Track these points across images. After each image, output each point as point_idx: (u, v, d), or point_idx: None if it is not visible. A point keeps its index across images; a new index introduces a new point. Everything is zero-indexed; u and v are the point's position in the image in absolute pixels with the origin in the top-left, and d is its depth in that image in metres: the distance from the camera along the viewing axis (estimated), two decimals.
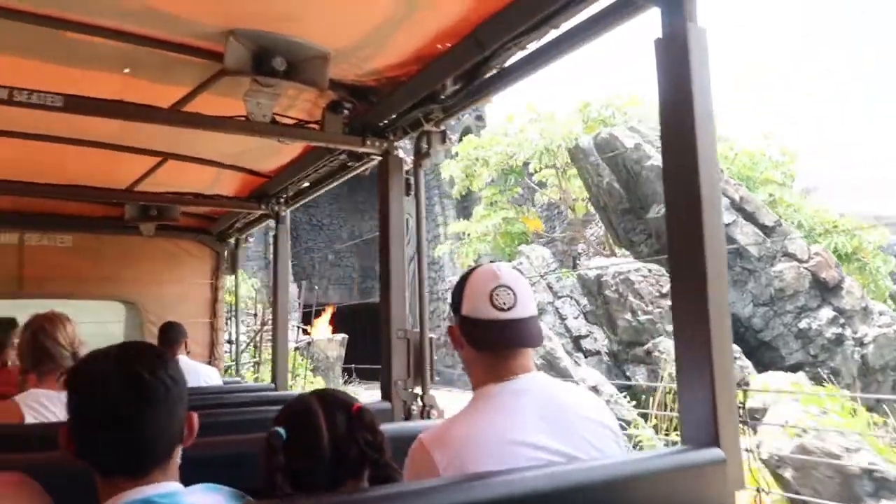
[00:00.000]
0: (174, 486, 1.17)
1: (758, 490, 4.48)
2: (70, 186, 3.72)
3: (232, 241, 4.92)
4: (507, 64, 2.36)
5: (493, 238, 15.82)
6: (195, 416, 1.22)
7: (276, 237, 4.11)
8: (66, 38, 2.30)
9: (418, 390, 2.64)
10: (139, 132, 3.23)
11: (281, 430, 1.25)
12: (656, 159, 14.28)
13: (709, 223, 1.48)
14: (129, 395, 1.13)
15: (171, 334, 3.91)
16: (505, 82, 2.42)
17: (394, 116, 2.79)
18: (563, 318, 13.05)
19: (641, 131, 14.93)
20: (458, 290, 1.49)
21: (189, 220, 4.78)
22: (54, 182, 3.70)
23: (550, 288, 13.63)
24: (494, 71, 2.39)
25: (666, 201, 1.58)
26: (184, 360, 3.80)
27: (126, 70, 2.58)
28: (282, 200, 4.02)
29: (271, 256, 4.46)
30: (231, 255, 4.96)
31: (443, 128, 2.75)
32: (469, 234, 15.94)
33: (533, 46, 2.22)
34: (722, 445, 1.46)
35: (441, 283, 19.70)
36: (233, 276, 4.97)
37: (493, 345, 1.43)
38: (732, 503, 1.48)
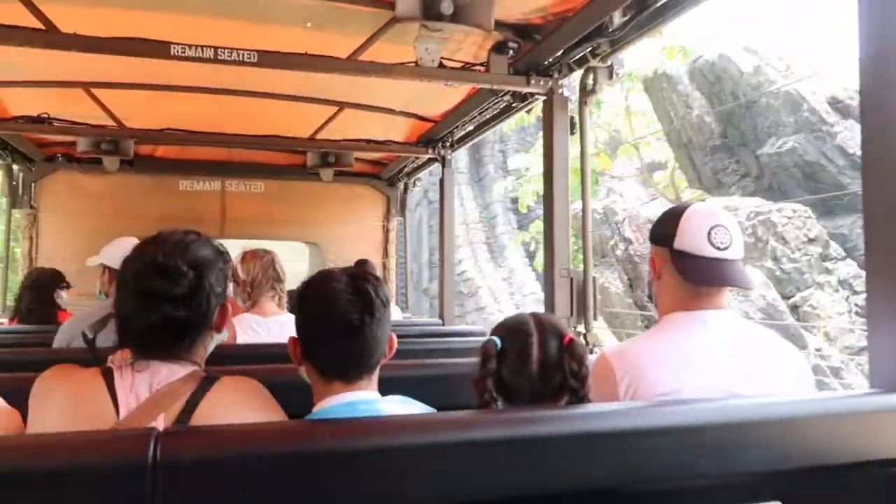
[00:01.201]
0: (374, 394, 1.36)
1: None
2: (262, 137, 4.11)
3: (401, 184, 5.18)
4: None
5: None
6: (394, 337, 1.39)
7: (442, 180, 4.27)
8: None
9: (581, 328, 2.68)
10: (319, 84, 3.48)
11: (497, 339, 1.36)
12: (780, 84, 12.64)
13: None
14: (358, 309, 1.30)
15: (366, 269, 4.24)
16: (676, 11, 2.31)
17: (559, 54, 2.76)
18: None
19: (759, 52, 13.14)
20: (670, 223, 1.56)
21: (362, 165, 5.09)
22: (249, 133, 4.11)
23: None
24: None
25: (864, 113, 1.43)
26: None
27: (308, 24, 2.78)
28: (447, 144, 4.16)
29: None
30: (400, 199, 5.23)
31: (610, 62, 2.68)
32: (529, 170, 14.21)
33: None
34: None
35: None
36: (402, 218, 5.25)
37: (705, 279, 1.50)
38: None
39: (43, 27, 2.42)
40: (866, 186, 1.43)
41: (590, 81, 2.72)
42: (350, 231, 5.21)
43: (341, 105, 3.84)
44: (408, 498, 1.09)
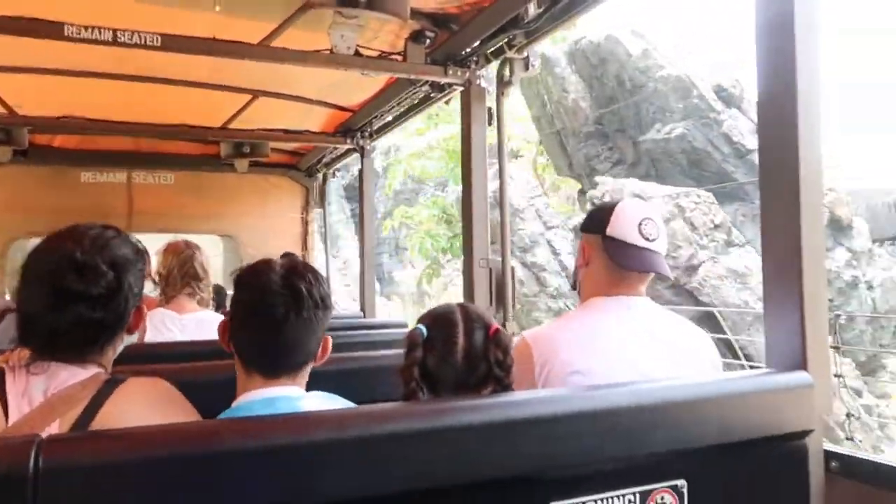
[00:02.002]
0: (297, 391, 1.32)
1: (847, 416, 4.34)
2: (171, 126, 3.93)
3: (320, 175, 5.08)
4: None
5: (440, 156, 14.50)
6: (330, 339, 1.36)
7: (361, 170, 4.21)
8: None
9: (500, 318, 2.70)
10: (231, 71, 3.35)
11: (422, 328, 1.34)
12: (670, 69, 12.93)
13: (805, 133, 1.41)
14: (286, 304, 1.26)
15: None
16: (588, 4, 2.35)
17: (476, 44, 2.76)
18: (556, 253, 12.27)
19: (647, 37, 13.44)
20: (603, 214, 1.66)
21: (279, 156, 4.96)
22: (157, 122, 3.92)
23: (539, 216, 12.83)
24: None
25: (760, 111, 1.51)
26: None
27: (217, 8, 2.66)
28: (366, 134, 4.10)
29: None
30: (319, 190, 5.12)
31: (525, 54, 2.70)
32: (399, 150, 14.96)
33: None
34: (809, 370, 1.44)
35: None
36: (321, 210, 5.15)
37: (635, 265, 1.59)
38: (820, 428, 1.47)
39: None
40: (763, 177, 1.50)
41: (506, 72, 2.73)
42: (268, 223, 5.07)
43: (255, 93, 3.72)
44: (324, 494, 1.06)
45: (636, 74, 13.11)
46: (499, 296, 2.64)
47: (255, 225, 5.01)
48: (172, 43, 2.42)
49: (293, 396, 1.32)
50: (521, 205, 12.54)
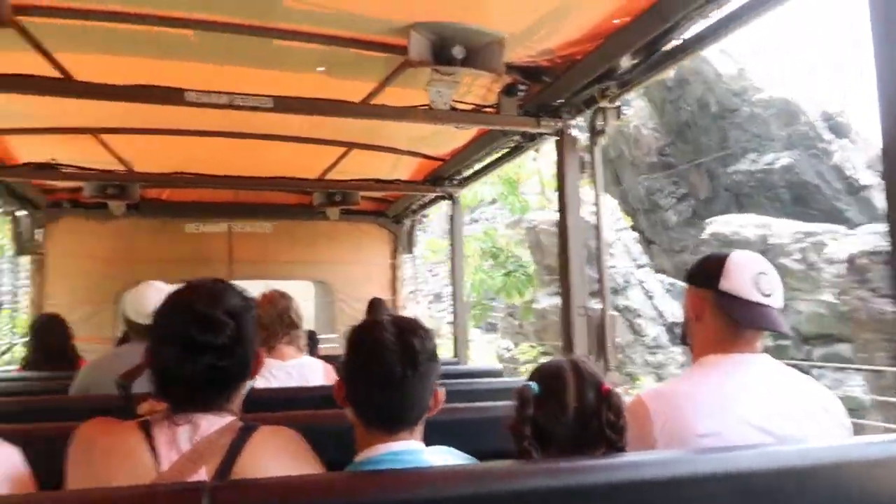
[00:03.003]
0: (419, 445, 1.34)
1: None
2: (270, 178, 4.13)
3: (408, 222, 5.20)
4: (688, 35, 2.30)
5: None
6: (441, 391, 1.38)
7: (452, 217, 4.28)
8: (273, 45, 2.57)
9: (600, 368, 2.66)
10: (329, 125, 3.51)
11: (533, 385, 1.34)
12: (772, 91, 10.85)
13: None
14: (402, 362, 1.29)
15: (380, 308, 4.24)
16: (685, 53, 2.35)
17: (568, 95, 2.80)
18: (649, 296, 10.73)
19: (736, 56, 11.30)
20: (713, 266, 1.59)
21: (368, 203, 5.11)
22: (257, 175, 4.13)
23: (628, 251, 11.40)
24: (675, 43, 2.32)
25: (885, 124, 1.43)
26: None
27: (320, 69, 2.81)
28: (455, 182, 4.18)
29: None
30: (407, 236, 5.24)
31: (618, 104, 2.72)
32: None
33: (716, 15, 2.14)
34: None
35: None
36: (409, 255, 5.26)
37: (753, 323, 1.52)
38: None
39: (59, 76, 2.45)
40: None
41: (599, 121, 2.75)
42: (358, 269, 5.21)
43: (350, 146, 3.87)
44: None
45: (727, 97, 11.75)
46: (599, 345, 2.60)
47: (346, 270, 5.16)
48: (283, 104, 2.57)
49: (417, 450, 1.34)
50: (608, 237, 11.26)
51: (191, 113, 3.13)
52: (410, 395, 1.33)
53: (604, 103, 2.70)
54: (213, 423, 1.27)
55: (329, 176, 4.23)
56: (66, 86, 2.42)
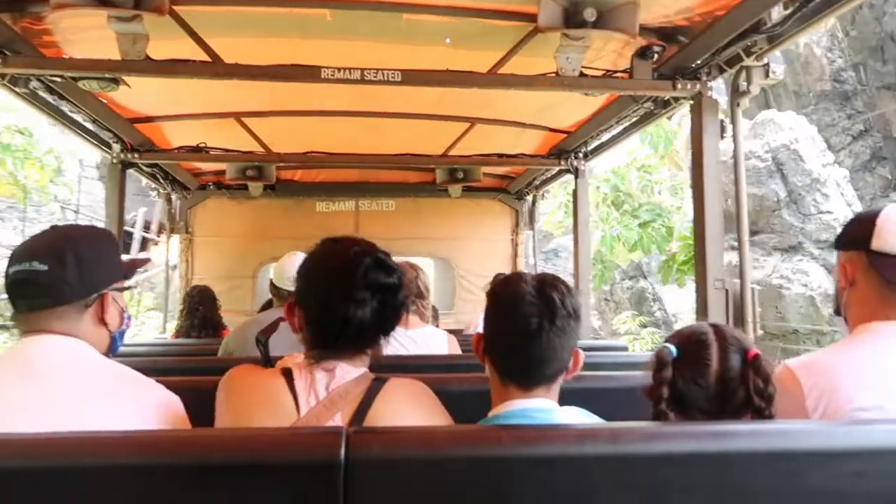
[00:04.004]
0: (552, 404, 1.32)
1: None
2: (396, 156, 4.23)
3: (529, 197, 5.16)
4: None
5: None
6: (581, 352, 1.36)
7: (575, 191, 4.20)
8: (402, 19, 2.61)
9: None
10: (453, 101, 3.54)
11: (672, 347, 1.30)
12: None
13: None
14: (539, 313, 1.29)
15: None
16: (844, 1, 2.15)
17: (708, 55, 2.64)
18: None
19: None
20: (864, 225, 1.46)
21: (490, 180, 5.12)
22: (383, 153, 4.24)
23: (842, 193, 9.39)
24: None
25: None
26: None
27: (447, 41, 2.83)
28: (580, 155, 4.09)
29: None
30: (529, 211, 5.21)
31: (766, 60, 2.53)
32: None
33: None
34: None
35: None
36: (531, 231, 5.22)
37: None
38: None
39: (209, 59, 2.62)
40: None
41: (743, 81, 2.58)
42: (479, 245, 5.25)
43: (473, 121, 3.88)
44: None
45: None
46: (736, 321, 2.46)
47: (467, 247, 5.21)
48: (411, 77, 2.61)
49: (550, 409, 1.33)
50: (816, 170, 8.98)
51: (324, 94, 3.27)
52: (548, 349, 1.31)
53: (749, 61, 2.52)
54: (348, 373, 1.33)
55: (452, 152, 4.27)
56: (215, 68, 2.58)
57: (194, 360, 2.64)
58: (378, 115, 3.63)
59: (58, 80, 2.86)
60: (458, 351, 2.73)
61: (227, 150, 4.15)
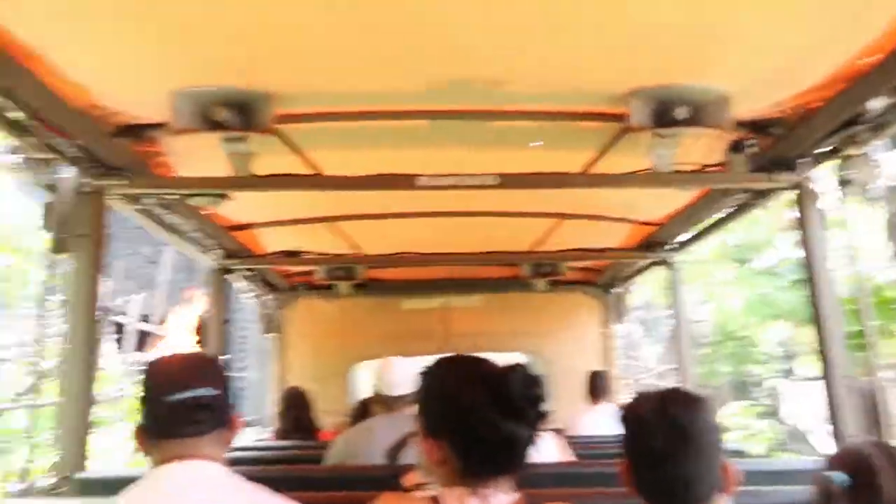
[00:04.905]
0: None
1: None
2: (483, 253, 4.27)
3: (618, 290, 5.06)
4: None
5: None
6: (730, 464, 1.28)
7: (670, 283, 4.09)
8: (494, 126, 2.69)
9: None
10: (540, 198, 3.57)
11: (843, 476, 1.21)
12: None
13: None
14: (666, 437, 1.22)
15: (600, 382, 4.14)
16: None
17: (807, 146, 2.59)
18: None
19: None
20: None
21: (576, 273, 5.06)
22: (471, 251, 4.29)
23: None
24: None
25: None
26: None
27: (537, 143, 2.89)
28: (673, 247, 4.01)
29: None
30: (618, 305, 5.09)
31: (870, 149, 2.45)
32: None
33: None
34: None
35: None
36: (621, 325, 5.09)
37: None
38: None
39: (311, 172, 2.76)
40: None
41: (847, 171, 2.50)
42: (569, 340, 5.14)
43: (560, 216, 3.90)
44: None
45: None
46: (871, 423, 2.27)
47: (557, 342, 5.11)
48: (507, 181, 2.66)
49: None
50: None
51: (414, 196, 3.37)
52: (683, 473, 1.24)
53: (851, 150, 2.45)
54: (500, 500, 1.27)
55: (539, 248, 4.27)
56: (317, 180, 2.71)
57: (308, 469, 2.62)
58: (467, 214, 3.70)
59: (170, 196, 3.07)
60: (569, 453, 2.63)
61: (319, 254, 4.30)
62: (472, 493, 1.26)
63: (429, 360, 1.52)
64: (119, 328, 10.32)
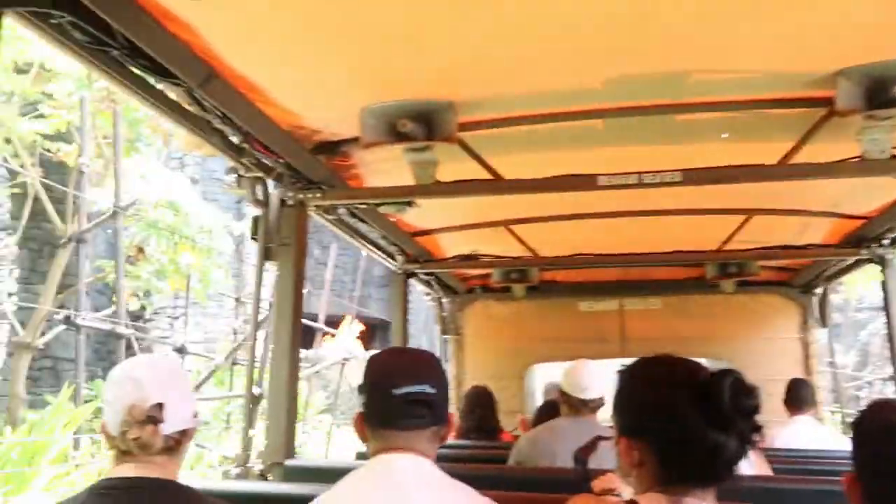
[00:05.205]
0: None
1: None
2: (663, 253, 4.09)
3: (819, 291, 4.61)
4: None
5: None
6: None
7: (884, 284, 3.65)
8: (676, 120, 2.58)
9: None
10: (727, 194, 3.35)
11: None
12: None
13: None
14: None
15: (801, 392, 3.84)
16: None
17: None
18: None
19: None
20: None
21: (768, 273, 4.69)
22: (648, 251, 4.13)
23: None
24: None
25: None
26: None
27: (725, 135, 2.72)
28: (887, 243, 3.58)
29: None
30: (819, 307, 4.63)
31: None
32: None
33: None
34: None
35: None
36: (824, 330, 4.63)
37: None
38: None
39: (491, 178, 2.81)
40: None
41: None
42: (760, 345, 4.77)
43: (750, 212, 3.64)
44: None
45: None
46: None
47: (748, 348, 4.76)
48: (692, 177, 2.53)
49: None
50: None
51: (591, 197, 3.31)
52: None
53: None
54: None
55: (726, 246, 4.01)
56: (497, 185, 2.76)
57: (490, 469, 2.69)
58: (647, 213, 3.57)
59: (361, 206, 3.28)
60: (766, 467, 2.45)
61: (495, 257, 4.37)
62: (670, 501, 1.22)
63: (622, 363, 1.50)
64: (309, 331, 10.61)
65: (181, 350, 8.88)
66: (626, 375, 1.39)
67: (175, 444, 1.50)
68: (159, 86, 2.09)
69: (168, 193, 8.90)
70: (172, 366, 1.67)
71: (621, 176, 2.59)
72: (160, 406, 1.44)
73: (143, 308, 11.00)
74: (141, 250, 9.26)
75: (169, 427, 1.46)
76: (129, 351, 7.66)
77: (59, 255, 8.26)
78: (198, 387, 8.25)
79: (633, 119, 2.58)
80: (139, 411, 1.43)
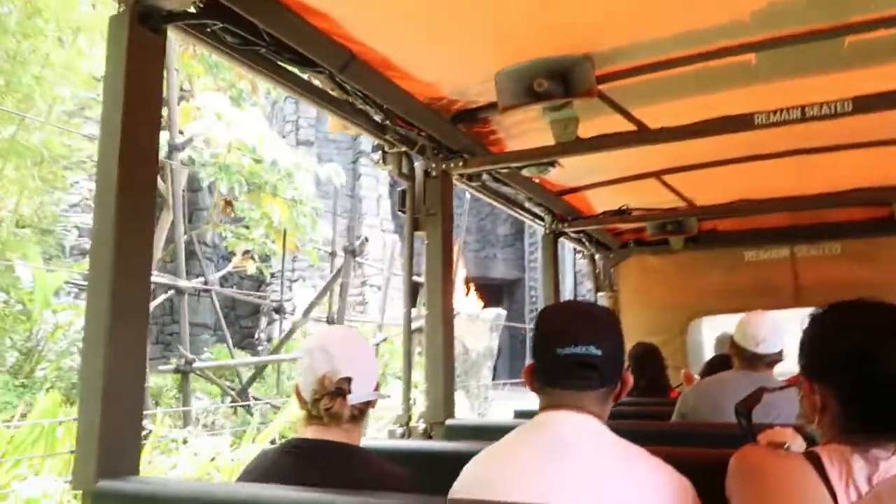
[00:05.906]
0: None
1: None
2: (838, 193, 3.72)
3: None
4: None
5: None
6: None
7: None
8: (845, 43, 2.31)
9: None
10: None
11: None
12: None
13: None
14: None
15: None
16: None
17: None
18: None
19: None
20: None
21: None
22: (821, 192, 3.77)
23: None
24: None
25: None
26: None
27: None
28: None
29: None
30: None
31: None
32: None
33: None
34: None
35: None
36: None
37: None
38: None
39: (635, 129, 2.70)
40: None
41: None
42: None
43: None
44: None
45: None
46: None
47: None
48: (865, 104, 2.27)
49: None
50: None
51: (749, 138, 3.07)
52: None
53: None
54: (892, 465, 1.13)
55: None
56: (643, 136, 2.65)
57: (655, 425, 2.64)
58: (817, 150, 3.25)
59: (504, 170, 3.30)
60: None
61: (648, 210, 4.20)
62: (858, 452, 1.14)
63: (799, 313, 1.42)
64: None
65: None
66: (821, 317, 1.31)
67: (359, 413, 1.62)
68: (304, 75, 2.23)
69: (247, 136, 7.94)
70: (362, 342, 1.80)
71: (781, 112, 2.38)
72: (348, 380, 1.56)
73: (260, 272, 10.93)
74: (229, 203, 8.81)
75: (355, 398, 1.58)
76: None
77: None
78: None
79: (788, 49, 2.35)
80: (329, 382, 1.56)
